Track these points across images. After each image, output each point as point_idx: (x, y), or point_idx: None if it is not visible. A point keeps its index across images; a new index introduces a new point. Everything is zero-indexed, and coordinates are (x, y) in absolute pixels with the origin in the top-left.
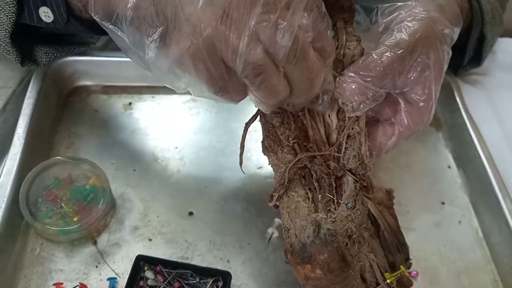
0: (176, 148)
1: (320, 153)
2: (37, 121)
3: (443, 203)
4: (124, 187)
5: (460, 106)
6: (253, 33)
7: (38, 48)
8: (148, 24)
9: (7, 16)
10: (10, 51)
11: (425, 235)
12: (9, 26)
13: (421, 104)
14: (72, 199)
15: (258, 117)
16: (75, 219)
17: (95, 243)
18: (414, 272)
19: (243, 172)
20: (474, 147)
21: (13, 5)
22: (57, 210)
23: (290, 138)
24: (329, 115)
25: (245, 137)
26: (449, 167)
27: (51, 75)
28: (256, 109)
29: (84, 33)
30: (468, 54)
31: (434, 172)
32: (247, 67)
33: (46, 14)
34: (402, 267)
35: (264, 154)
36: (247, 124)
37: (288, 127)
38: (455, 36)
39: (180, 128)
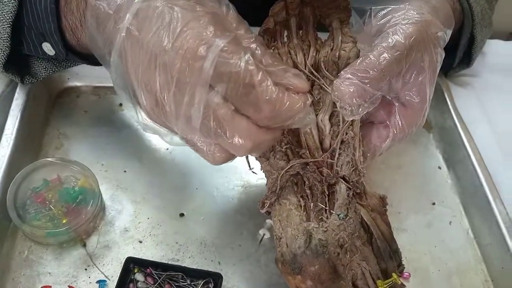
0: (167, 149)
1: (313, 160)
2: (26, 122)
3: (433, 203)
4: (114, 188)
5: (451, 107)
6: (176, 114)
7: (38, 62)
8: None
9: (2, 50)
10: (7, 75)
11: (416, 236)
12: (3, 58)
13: (416, 106)
14: (61, 201)
15: None
16: (64, 221)
17: (84, 245)
18: (407, 274)
19: (255, 173)
20: (465, 148)
21: (7, 40)
22: (45, 212)
23: (283, 144)
24: (321, 120)
25: None
26: (439, 168)
27: None
28: None
29: (85, 64)
30: (458, 56)
31: (424, 173)
32: (181, 138)
33: (48, 49)
34: (394, 275)
35: (256, 159)
36: None
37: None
38: (447, 38)
39: None
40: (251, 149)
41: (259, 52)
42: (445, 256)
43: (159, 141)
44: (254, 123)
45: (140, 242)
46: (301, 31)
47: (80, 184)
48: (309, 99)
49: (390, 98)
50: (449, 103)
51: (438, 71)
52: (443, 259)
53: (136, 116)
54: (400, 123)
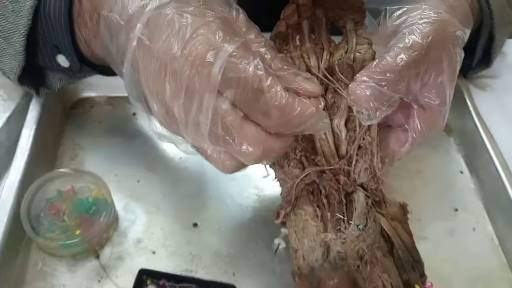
0: (181, 158)
1: (329, 168)
2: (41, 133)
3: (456, 209)
4: (127, 198)
5: (471, 109)
6: (186, 121)
7: (52, 73)
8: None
9: (17, 63)
10: (23, 87)
11: (438, 244)
12: (18, 71)
13: (435, 108)
14: (75, 211)
15: None
16: (77, 232)
17: (97, 256)
18: (429, 284)
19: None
20: (487, 151)
21: (22, 53)
22: (59, 223)
23: (297, 150)
24: (337, 125)
25: None
26: (461, 172)
27: None
28: None
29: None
30: (477, 56)
31: (446, 178)
32: (192, 146)
33: (62, 61)
34: (417, 287)
35: (270, 167)
36: None
37: (294, 139)
38: (466, 37)
39: None
40: (260, 157)
41: (269, 56)
42: (469, 264)
43: (172, 150)
44: (264, 130)
45: (153, 253)
46: (313, 34)
47: (93, 195)
48: (322, 103)
49: (408, 101)
50: (469, 105)
51: (457, 71)
52: (467, 267)
53: (151, 126)
54: (419, 127)
